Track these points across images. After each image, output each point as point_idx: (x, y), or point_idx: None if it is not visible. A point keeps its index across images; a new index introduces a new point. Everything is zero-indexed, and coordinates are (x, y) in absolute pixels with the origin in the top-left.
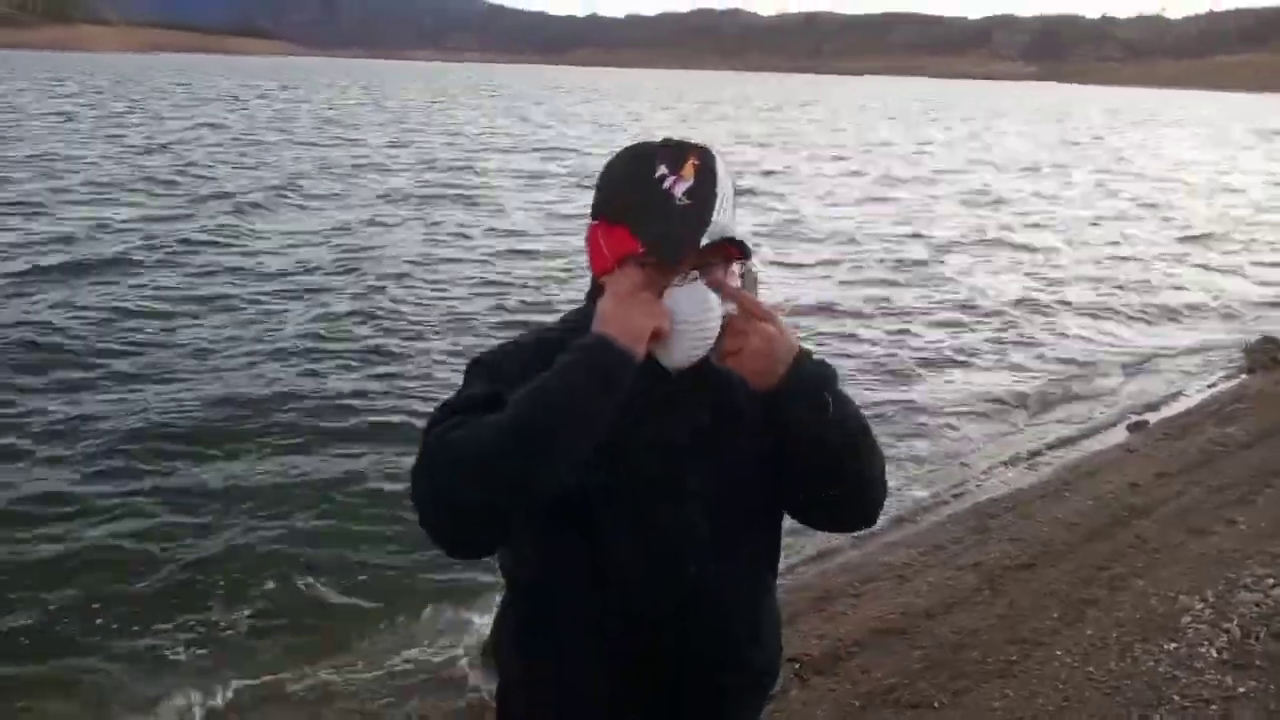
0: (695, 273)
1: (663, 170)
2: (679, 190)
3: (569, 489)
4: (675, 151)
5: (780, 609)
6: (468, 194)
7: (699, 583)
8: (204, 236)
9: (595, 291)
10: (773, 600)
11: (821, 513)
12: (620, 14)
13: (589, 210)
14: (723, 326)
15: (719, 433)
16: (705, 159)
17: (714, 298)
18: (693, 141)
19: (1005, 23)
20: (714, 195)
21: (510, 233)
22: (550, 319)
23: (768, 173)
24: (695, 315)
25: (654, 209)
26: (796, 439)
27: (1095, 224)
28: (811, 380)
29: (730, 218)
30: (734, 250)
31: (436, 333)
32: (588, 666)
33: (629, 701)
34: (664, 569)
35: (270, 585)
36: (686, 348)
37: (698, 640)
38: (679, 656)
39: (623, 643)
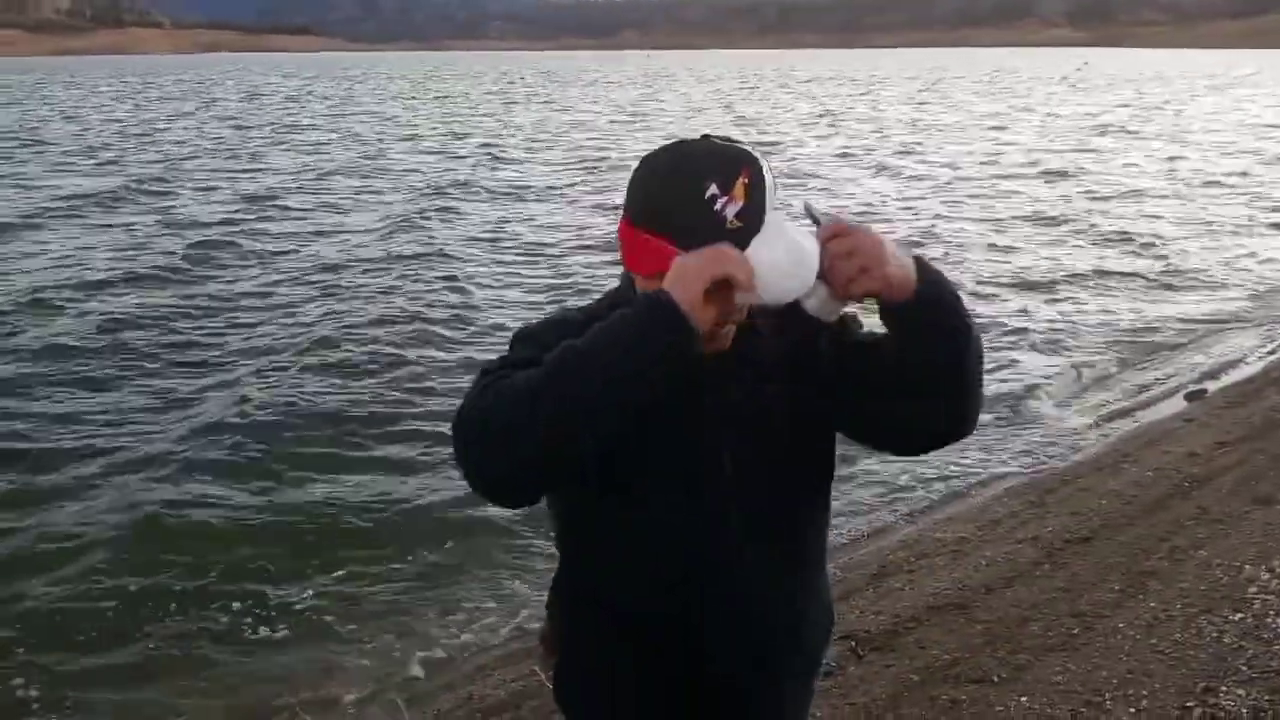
0: (775, 215)
1: (713, 190)
2: (730, 212)
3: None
4: (726, 166)
5: (832, 589)
6: None
7: (702, 566)
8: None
9: (629, 278)
10: (803, 590)
11: (922, 436)
12: None
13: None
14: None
15: (747, 418)
16: (755, 174)
17: (800, 239)
18: (740, 147)
19: None
20: (764, 214)
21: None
22: None
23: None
24: (786, 260)
25: (704, 232)
26: (930, 356)
27: (1165, 195)
28: (942, 278)
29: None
30: None
31: None
32: (591, 643)
33: (632, 683)
34: (663, 550)
35: (318, 566)
36: (781, 288)
37: (701, 624)
38: (682, 638)
39: (625, 622)
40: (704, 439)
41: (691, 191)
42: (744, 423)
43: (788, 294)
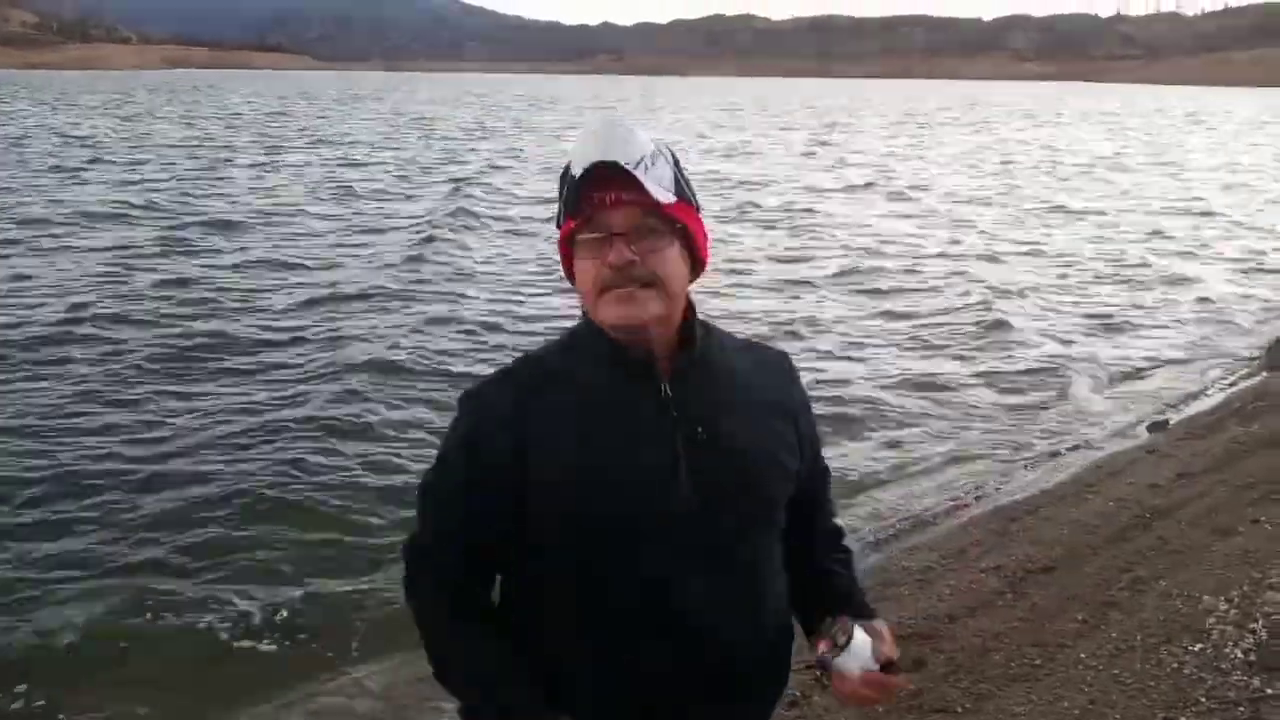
0: (854, 632)
1: (571, 165)
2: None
3: (555, 506)
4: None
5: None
6: None
7: (687, 601)
8: None
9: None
10: (769, 615)
11: None
12: (631, 21)
13: None
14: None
15: (709, 453)
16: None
17: (868, 654)
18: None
19: (1019, 23)
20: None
21: None
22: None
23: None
24: (859, 667)
25: (571, 188)
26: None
27: (1131, 226)
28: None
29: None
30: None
31: None
32: (575, 680)
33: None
34: (652, 589)
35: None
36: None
37: (665, 653)
38: (647, 669)
39: (611, 656)
40: (667, 469)
41: (564, 175)
42: (706, 452)
43: None
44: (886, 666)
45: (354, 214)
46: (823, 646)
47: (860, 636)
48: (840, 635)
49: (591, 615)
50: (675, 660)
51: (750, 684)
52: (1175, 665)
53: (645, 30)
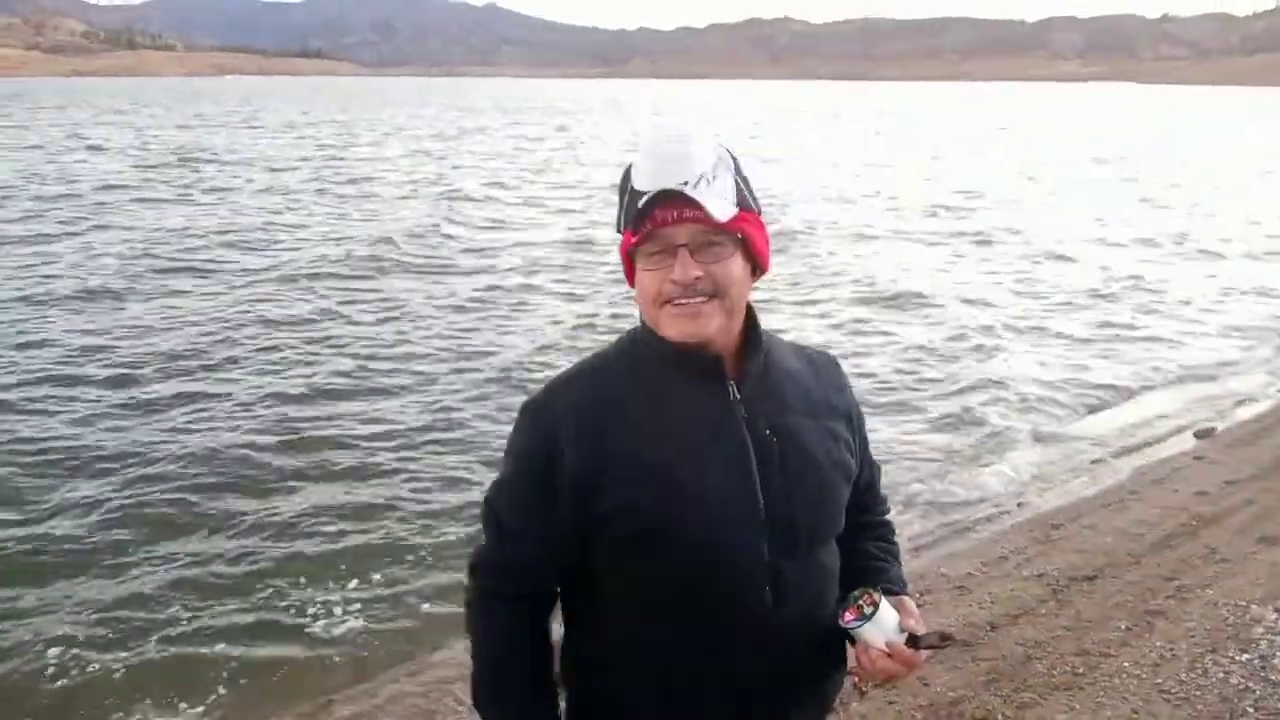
0: (881, 603)
1: (631, 175)
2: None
3: (631, 510)
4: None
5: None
6: None
7: (762, 598)
8: None
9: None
10: (828, 619)
11: None
12: (670, 26)
13: None
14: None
15: (779, 454)
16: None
17: (894, 626)
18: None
19: (1062, 23)
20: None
21: None
22: None
23: None
24: (884, 639)
25: (633, 205)
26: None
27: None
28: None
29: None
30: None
31: None
32: (647, 690)
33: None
34: (725, 589)
35: (328, 599)
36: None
37: (762, 662)
38: (714, 680)
39: (683, 664)
40: (739, 470)
41: (625, 179)
42: (775, 458)
43: None
44: (911, 641)
45: None
46: (849, 615)
47: (886, 608)
48: (867, 605)
49: (657, 615)
50: (750, 659)
51: (813, 680)
52: (1221, 675)
53: (683, 34)
